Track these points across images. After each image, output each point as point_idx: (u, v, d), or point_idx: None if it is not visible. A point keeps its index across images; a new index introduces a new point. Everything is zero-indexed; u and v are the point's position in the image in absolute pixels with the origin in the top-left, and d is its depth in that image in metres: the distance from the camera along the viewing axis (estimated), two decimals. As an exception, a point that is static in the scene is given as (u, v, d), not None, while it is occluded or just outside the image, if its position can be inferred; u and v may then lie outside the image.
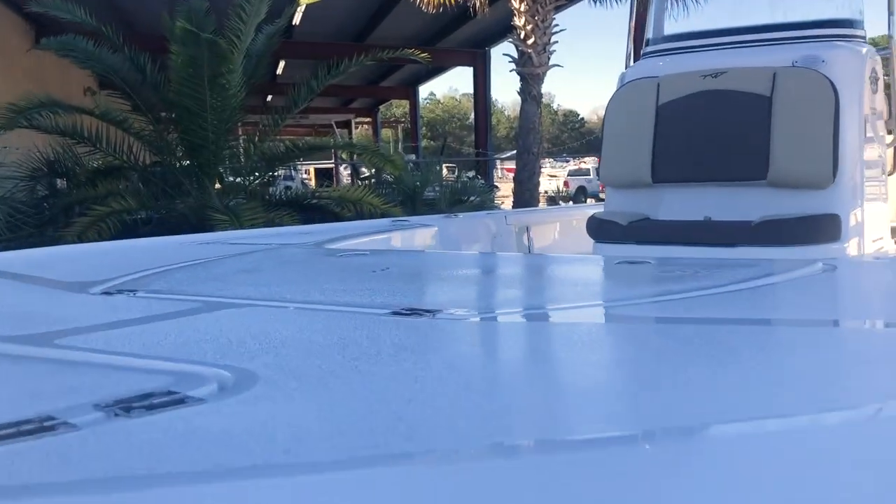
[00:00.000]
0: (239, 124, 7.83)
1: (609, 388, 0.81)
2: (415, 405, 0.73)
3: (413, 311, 1.20)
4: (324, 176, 25.25)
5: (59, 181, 8.37)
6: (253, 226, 6.66)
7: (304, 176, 24.11)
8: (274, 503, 0.53)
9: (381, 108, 30.00)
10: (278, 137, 8.66)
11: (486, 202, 10.86)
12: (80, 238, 6.49)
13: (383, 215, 7.84)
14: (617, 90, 4.22)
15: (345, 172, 27.09)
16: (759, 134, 3.65)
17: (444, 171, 21.71)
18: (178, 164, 7.61)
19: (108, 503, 0.53)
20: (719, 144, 3.75)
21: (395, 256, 2.25)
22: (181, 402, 0.72)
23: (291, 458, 0.60)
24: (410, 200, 9.77)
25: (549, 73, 10.25)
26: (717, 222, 3.66)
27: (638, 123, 3.94)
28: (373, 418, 0.69)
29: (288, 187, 12.52)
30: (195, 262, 2.09)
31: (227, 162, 7.81)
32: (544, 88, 10.26)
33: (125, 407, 0.70)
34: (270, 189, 9.23)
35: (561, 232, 5.04)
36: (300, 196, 8.23)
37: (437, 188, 10.10)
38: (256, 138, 7.91)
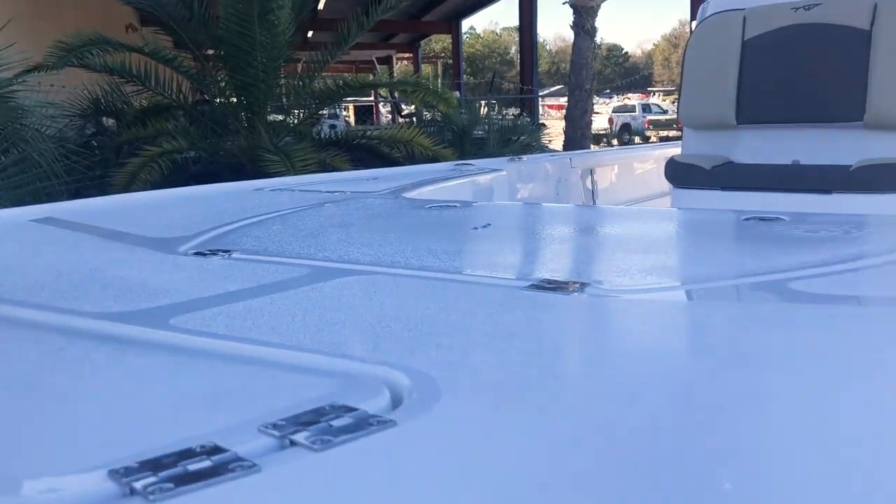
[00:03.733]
0: (286, 60, 7.62)
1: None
2: (633, 432, 0.58)
3: (555, 285, 1.05)
4: (363, 114, 24.98)
5: (106, 120, 8.30)
6: (305, 167, 6.53)
7: (345, 115, 23.86)
8: None
9: (421, 43, 29.44)
10: (323, 74, 8.46)
11: (534, 142, 10.58)
12: (133, 178, 6.44)
13: (433, 157, 7.66)
14: (698, 23, 3.95)
15: (384, 110, 26.70)
16: (855, 71, 3.38)
17: (485, 109, 21.30)
18: (226, 103, 7.47)
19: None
20: (811, 83, 3.49)
21: (491, 210, 2.10)
22: (368, 424, 0.57)
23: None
24: (459, 140, 9.55)
25: (595, 5, 9.82)
26: (808, 167, 3.43)
27: (721, 60, 3.69)
28: (600, 457, 0.55)
29: (333, 126, 12.37)
30: (276, 213, 1.96)
31: (277, 100, 7.65)
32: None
33: (298, 430, 0.56)
34: (315, 128, 9.08)
35: (626, 175, 4.84)
36: (349, 136, 8.06)
37: (485, 127, 9.84)
38: (306, 76, 7.71)
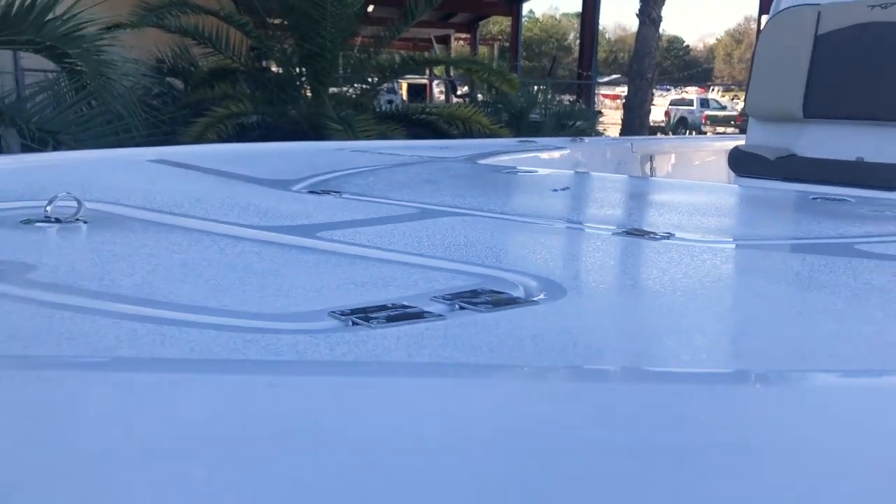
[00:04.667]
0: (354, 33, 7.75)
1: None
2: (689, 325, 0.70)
3: (645, 233, 1.17)
4: (416, 92, 25.04)
5: (174, 81, 8.54)
6: (366, 137, 6.68)
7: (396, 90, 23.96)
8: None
9: (480, 24, 29.33)
10: (385, 49, 8.58)
11: (589, 128, 10.59)
12: (200, 138, 6.65)
13: (491, 135, 7.75)
14: (772, 16, 3.98)
15: (437, 90, 26.75)
16: None
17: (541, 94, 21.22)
18: (291, 70, 7.64)
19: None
20: (881, 81, 3.51)
21: (563, 177, 2.21)
22: (514, 301, 0.71)
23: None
24: (516, 122, 9.61)
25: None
26: (872, 164, 3.46)
27: (793, 53, 3.72)
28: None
29: (391, 101, 12.49)
30: (368, 167, 2.09)
31: (342, 71, 7.80)
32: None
33: (469, 301, 0.69)
34: (375, 102, 9.22)
35: (685, 163, 4.88)
36: (409, 111, 8.19)
37: (542, 111, 9.88)
38: (372, 49, 7.85)
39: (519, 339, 0.64)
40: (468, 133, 7.86)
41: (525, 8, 24.02)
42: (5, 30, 4.19)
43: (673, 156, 4.79)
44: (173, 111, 7.68)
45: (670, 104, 28.96)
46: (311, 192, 1.53)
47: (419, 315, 0.65)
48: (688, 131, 24.14)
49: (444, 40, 27.34)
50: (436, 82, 26.64)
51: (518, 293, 0.76)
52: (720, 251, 1.10)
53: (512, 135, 8.36)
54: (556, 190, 1.84)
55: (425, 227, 1.19)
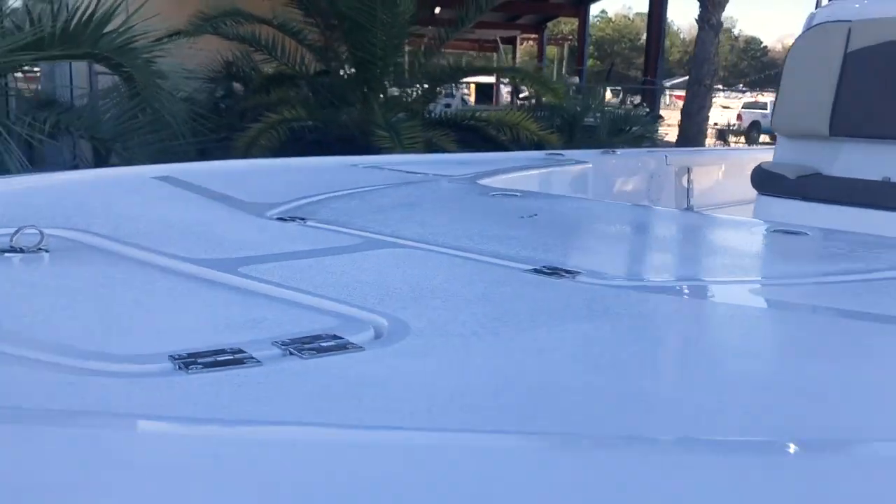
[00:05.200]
0: (406, 39, 7.89)
1: (744, 384, 0.82)
2: (547, 383, 0.77)
3: (554, 271, 1.24)
4: (484, 93, 25.10)
5: (235, 85, 8.85)
6: (411, 145, 6.82)
7: (465, 92, 24.11)
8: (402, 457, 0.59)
9: (549, 24, 29.21)
10: (446, 51, 8.69)
11: (648, 133, 10.50)
12: (253, 142, 6.91)
13: (539, 142, 7.80)
14: (803, 32, 3.93)
15: (505, 90, 26.77)
16: None
17: (609, 95, 20.96)
18: (345, 77, 7.84)
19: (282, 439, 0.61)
20: None
21: (546, 201, 2.27)
22: (344, 347, 0.81)
23: (431, 417, 0.67)
24: (569, 127, 9.60)
25: (733, -4, 9.63)
26: None
27: (821, 70, 3.67)
28: (506, 392, 0.74)
29: (448, 106, 12.61)
30: (361, 189, 2.20)
31: (393, 77, 7.96)
32: (726, 13, 9.65)
33: (298, 347, 0.79)
34: (430, 106, 9.35)
35: (725, 176, 4.82)
36: (458, 117, 8.29)
37: (597, 115, 9.85)
38: (422, 55, 7.98)
39: (322, 387, 0.73)
40: (516, 139, 7.92)
41: (597, 7, 23.92)
42: (65, 43, 4.47)
43: (710, 169, 4.75)
44: (231, 116, 7.98)
45: (743, 107, 28.26)
46: (279, 218, 1.65)
47: (240, 362, 0.75)
48: (760, 135, 23.54)
49: (511, 41, 27.38)
50: (505, 82, 26.69)
51: (359, 336, 0.85)
52: (615, 294, 1.16)
53: (561, 140, 8.38)
54: (522, 217, 1.90)
55: (351, 260, 1.29)
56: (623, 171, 4.19)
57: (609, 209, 2.20)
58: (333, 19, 7.61)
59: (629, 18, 58.95)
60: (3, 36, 4.04)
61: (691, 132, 9.88)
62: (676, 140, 10.59)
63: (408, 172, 2.74)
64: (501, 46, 23.76)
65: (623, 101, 16.91)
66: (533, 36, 28.12)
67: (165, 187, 2.05)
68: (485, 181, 2.68)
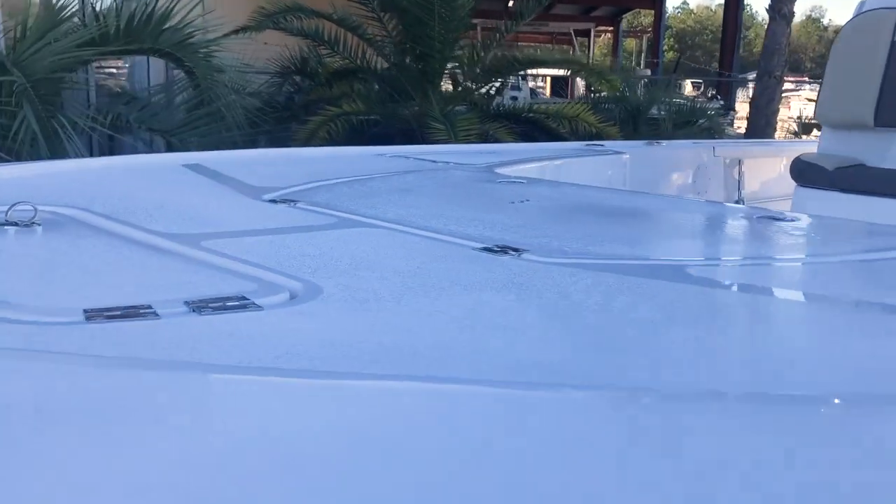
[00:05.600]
0: (471, 31, 7.94)
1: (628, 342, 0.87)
2: (413, 342, 0.84)
3: (503, 249, 1.29)
4: (560, 86, 24.91)
5: (303, 80, 9.09)
6: (466, 137, 6.89)
7: (541, 85, 23.97)
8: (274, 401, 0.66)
9: (628, 16, 28.76)
10: (522, 44, 8.71)
11: (716, 126, 10.27)
12: (313, 135, 7.10)
13: (598, 134, 7.75)
14: (851, 19, 3.82)
15: (581, 84, 26.48)
16: None
17: (689, 89, 20.47)
18: (404, 70, 7.96)
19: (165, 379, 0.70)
20: None
21: (547, 187, 2.30)
22: (244, 307, 0.89)
23: (315, 364, 0.75)
24: (633, 119, 9.50)
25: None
26: None
27: (867, 58, 3.57)
28: (367, 345, 0.81)
29: (514, 98, 12.59)
30: (369, 176, 2.28)
31: (451, 71, 8.03)
32: (815, 2, 9.36)
33: (202, 306, 0.88)
34: (497, 99, 9.38)
35: (777, 168, 4.71)
36: (517, 109, 8.31)
37: (661, 108, 9.70)
38: (480, 48, 8.03)
39: (209, 338, 0.82)
40: (575, 131, 7.89)
41: None
42: (128, 37, 4.72)
43: (763, 161, 4.65)
44: (296, 110, 8.21)
45: (825, 99, 27.12)
46: (271, 201, 1.75)
47: (141, 315, 0.85)
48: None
49: (586, 34, 27.08)
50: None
51: (271, 298, 0.94)
52: (554, 270, 1.20)
53: (624, 132, 8.30)
54: (513, 202, 1.95)
55: (311, 237, 1.37)
56: (665, 162, 4.15)
57: (606, 195, 2.22)
58: (393, 14, 7.74)
59: (711, 10, 57.37)
60: (66, 33, 4.30)
61: (760, 125, 9.63)
62: (745, 133, 10.33)
63: (430, 161, 2.80)
64: (576, 39, 23.55)
65: (703, 94, 16.54)
66: (609, 28, 27.75)
67: (184, 173, 2.18)
68: (502, 170, 2.72)
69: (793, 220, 1.71)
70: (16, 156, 3.67)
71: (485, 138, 7.13)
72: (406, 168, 2.61)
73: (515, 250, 1.30)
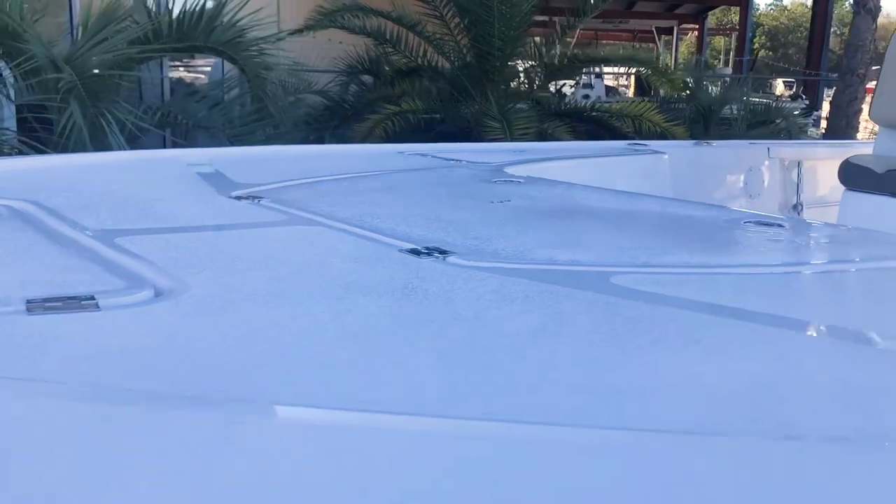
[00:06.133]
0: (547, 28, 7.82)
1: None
2: (260, 350, 0.80)
3: (429, 251, 1.23)
4: (643, 85, 24.41)
5: (369, 78, 9.15)
6: (523, 135, 6.80)
7: (625, 84, 23.48)
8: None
9: (717, 12, 27.93)
10: (599, 41, 8.58)
11: (794, 127, 9.83)
12: (370, 132, 7.13)
13: (662, 133, 7.52)
14: None
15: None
16: None
17: (781, 88, 19.63)
18: (464, 69, 7.92)
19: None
20: None
21: (541, 188, 2.21)
22: (80, 308, 0.87)
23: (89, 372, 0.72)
24: (704, 119, 9.20)
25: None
26: None
27: None
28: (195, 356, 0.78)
29: (587, 96, 12.38)
30: (358, 174, 2.24)
31: (513, 68, 7.95)
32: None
33: (37, 305, 0.86)
34: (568, 97, 9.23)
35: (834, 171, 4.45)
36: (579, 108, 8.16)
37: (735, 108, 9.36)
38: (542, 46, 7.92)
39: (22, 341, 0.79)
40: (638, 130, 7.69)
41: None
42: (180, 35, 4.83)
43: (822, 163, 4.41)
44: (358, 108, 8.27)
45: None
46: (236, 198, 1.73)
47: None
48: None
49: (670, 31, 26.41)
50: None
51: (135, 296, 0.91)
52: (473, 275, 1.14)
53: (695, 132, 8.04)
54: (492, 202, 1.88)
55: (238, 235, 1.35)
56: (712, 163, 3.98)
57: (602, 197, 2.11)
58: (455, 12, 7.70)
59: (806, 6, 55.10)
60: (117, 32, 4.44)
61: (840, 125, 9.16)
62: (823, 134, 9.86)
63: (444, 160, 2.75)
64: (662, 38, 22.94)
65: (796, 95, 15.87)
66: (693, 26, 27.00)
67: (172, 168, 2.19)
68: (513, 169, 2.64)
69: (773, 225, 1.58)
70: (62, 150, 3.81)
71: (543, 136, 7.02)
72: (412, 166, 2.56)
73: (443, 252, 1.24)
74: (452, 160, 2.75)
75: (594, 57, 8.40)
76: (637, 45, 26.61)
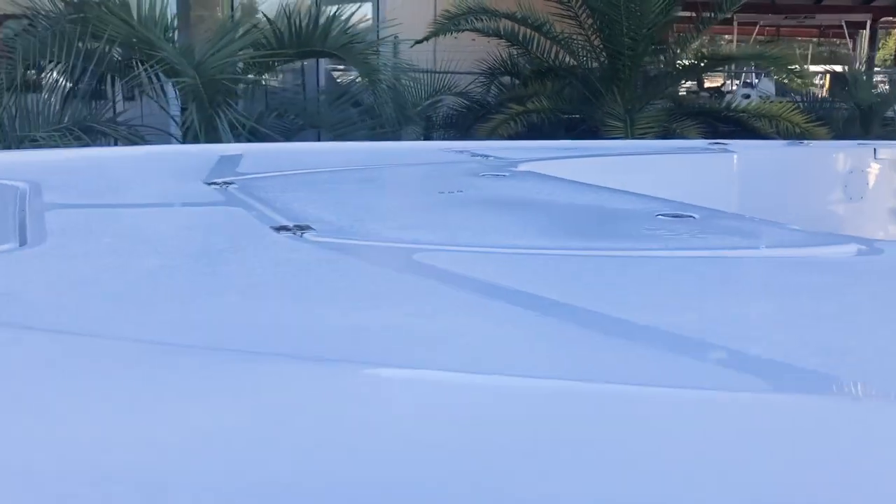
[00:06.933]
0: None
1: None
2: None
3: (293, 228, 1.42)
4: (839, 82, 22.75)
5: (508, 79, 9.32)
6: (643, 134, 6.72)
7: (818, 83, 21.91)
8: None
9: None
10: (781, 38, 8.26)
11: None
12: (492, 133, 7.31)
13: (802, 134, 7.12)
14: None
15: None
16: None
17: None
18: (596, 69, 7.90)
19: None
20: None
21: (513, 181, 2.28)
22: None
23: None
24: (866, 120, 8.56)
25: None
26: None
27: None
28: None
29: (747, 96, 11.82)
30: (342, 168, 2.39)
31: (648, 67, 7.83)
32: None
33: None
34: (728, 97, 8.92)
35: None
36: (715, 108, 7.89)
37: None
38: (675, 44, 7.73)
39: None
40: (778, 131, 7.33)
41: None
42: (299, 41, 5.28)
43: None
44: (493, 109, 8.46)
45: None
46: (211, 183, 1.99)
47: None
48: None
49: (862, 26, 24.29)
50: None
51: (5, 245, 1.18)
52: (313, 248, 1.31)
53: (857, 132, 7.55)
54: (441, 192, 2.01)
55: (160, 212, 1.60)
56: (801, 164, 3.82)
57: (554, 188, 2.15)
58: (586, 11, 7.69)
59: None
60: (234, 40, 4.93)
61: None
62: None
63: (478, 156, 2.86)
64: (859, 33, 21.19)
65: None
66: (893, 19, 24.70)
67: (210, 159, 2.49)
68: (523, 167, 2.70)
69: (682, 216, 1.61)
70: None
71: (667, 135, 6.88)
72: (429, 161, 2.71)
73: (304, 228, 1.41)
74: (480, 156, 2.86)
75: (723, 55, 8.07)
76: (820, 42, 24.83)
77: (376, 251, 1.31)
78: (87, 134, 4.20)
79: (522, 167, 2.69)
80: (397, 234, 1.45)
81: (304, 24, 5.19)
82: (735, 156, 3.43)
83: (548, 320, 0.96)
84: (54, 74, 4.75)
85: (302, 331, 0.87)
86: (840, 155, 3.90)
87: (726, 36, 21.32)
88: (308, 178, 2.12)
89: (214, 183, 1.98)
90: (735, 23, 22.50)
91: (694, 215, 1.70)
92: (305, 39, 5.23)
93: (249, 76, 4.91)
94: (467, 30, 7.71)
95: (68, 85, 4.70)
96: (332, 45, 5.29)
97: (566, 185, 2.29)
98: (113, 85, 4.95)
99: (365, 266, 1.23)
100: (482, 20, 7.54)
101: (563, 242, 1.49)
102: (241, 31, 4.93)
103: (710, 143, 3.86)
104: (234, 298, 1.01)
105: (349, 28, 5.34)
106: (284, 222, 1.42)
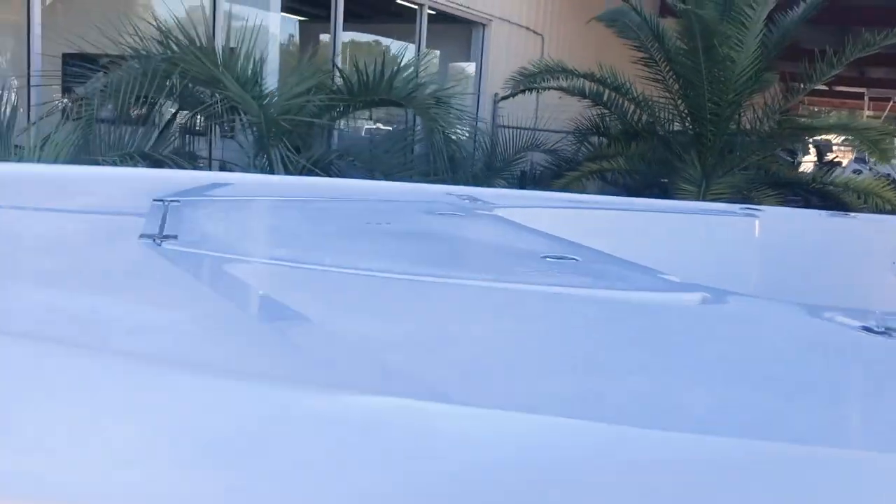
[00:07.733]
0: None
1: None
2: None
3: (152, 236, 1.56)
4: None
5: (598, 139, 9.36)
6: (716, 197, 6.59)
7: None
8: None
9: None
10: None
11: None
12: (565, 188, 7.33)
13: (892, 211, 6.76)
14: None
15: None
16: None
17: None
18: (675, 132, 7.83)
19: None
20: None
21: (453, 221, 2.31)
22: None
23: None
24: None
25: None
26: None
27: None
28: None
29: (858, 171, 11.30)
30: (298, 199, 2.50)
31: (731, 135, 7.68)
32: None
33: None
34: (838, 171, 8.57)
35: None
36: (800, 179, 7.62)
37: None
38: (762, 113, 7.55)
39: None
40: (867, 206, 6.99)
41: None
42: (367, 92, 5.57)
43: None
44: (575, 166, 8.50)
45: None
46: (158, 200, 2.16)
47: None
48: None
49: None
50: None
51: None
52: (172, 256, 1.44)
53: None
54: (368, 223, 2.10)
55: (69, 218, 1.78)
56: (836, 235, 3.68)
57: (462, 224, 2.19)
58: (673, 77, 7.66)
59: None
60: (304, 83, 5.26)
61: None
62: None
63: (461, 198, 2.91)
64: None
65: None
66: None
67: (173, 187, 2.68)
68: (499, 211, 2.71)
69: (564, 258, 1.64)
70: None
71: (744, 199, 6.71)
72: (409, 199, 2.79)
73: (166, 237, 1.54)
74: (468, 199, 2.92)
75: (804, 126, 7.78)
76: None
77: (216, 261, 1.43)
78: (155, 163, 4.58)
79: (497, 212, 2.72)
80: (259, 250, 1.57)
81: (371, 73, 5.47)
82: (757, 221, 3.32)
83: (265, 328, 1.04)
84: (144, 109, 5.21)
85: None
86: (887, 227, 3.72)
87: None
88: (247, 203, 2.26)
89: (160, 200, 2.15)
90: (866, 97, 21.56)
91: (577, 258, 1.71)
92: (373, 88, 5.50)
93: (309, 119, 5.20)
94: (549, 88, 7.82)
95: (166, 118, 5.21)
96: (398, 95, 5.54)
97: (503, 228, 2.32)
98: (205, 122, 5.40)
99: (183, 271, 1.35)
100: (568, 79, 7.63)
101: (418, 269, 1.55)
102: (308, 79, 5.25)
103: (741, 208, 3.77)
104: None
105: (413, 79, 5.59)
106: (154, 232, 1.56)
